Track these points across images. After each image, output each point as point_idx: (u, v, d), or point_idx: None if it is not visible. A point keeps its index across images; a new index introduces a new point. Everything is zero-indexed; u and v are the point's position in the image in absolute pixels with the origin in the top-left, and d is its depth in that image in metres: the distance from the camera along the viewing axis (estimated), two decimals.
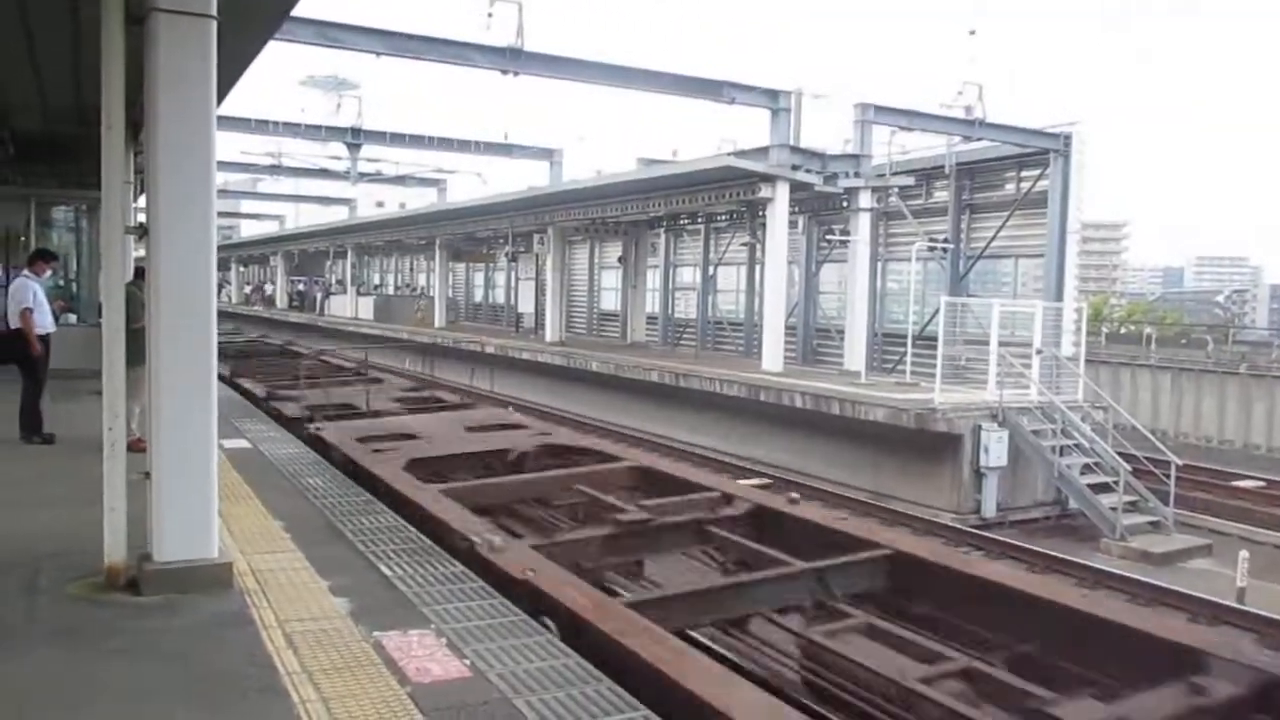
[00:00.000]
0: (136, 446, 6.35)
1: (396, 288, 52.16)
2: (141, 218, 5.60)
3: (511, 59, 18.15)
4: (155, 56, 5.17)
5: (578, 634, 4.91)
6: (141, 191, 7.32)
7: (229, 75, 8.51)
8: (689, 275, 30.87)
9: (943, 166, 21.32)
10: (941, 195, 22.59)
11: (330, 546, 6.32)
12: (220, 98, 8.06)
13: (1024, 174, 21.17)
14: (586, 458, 9.81)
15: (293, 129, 28.47)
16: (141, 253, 5.87)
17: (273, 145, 35.25)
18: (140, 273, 7.70)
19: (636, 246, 28.55)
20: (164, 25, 5.14)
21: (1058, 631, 5.36)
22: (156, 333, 5.28)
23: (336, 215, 49.15)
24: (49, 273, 10.99)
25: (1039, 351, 15.88)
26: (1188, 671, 4.68)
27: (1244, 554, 11.59)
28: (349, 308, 43.31)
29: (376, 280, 54.39)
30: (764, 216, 20.82)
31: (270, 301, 54.35)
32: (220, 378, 10.50)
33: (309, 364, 19.42)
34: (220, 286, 60.18)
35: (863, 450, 16.34)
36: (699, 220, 28.64)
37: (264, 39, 7.86)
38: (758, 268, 25.40)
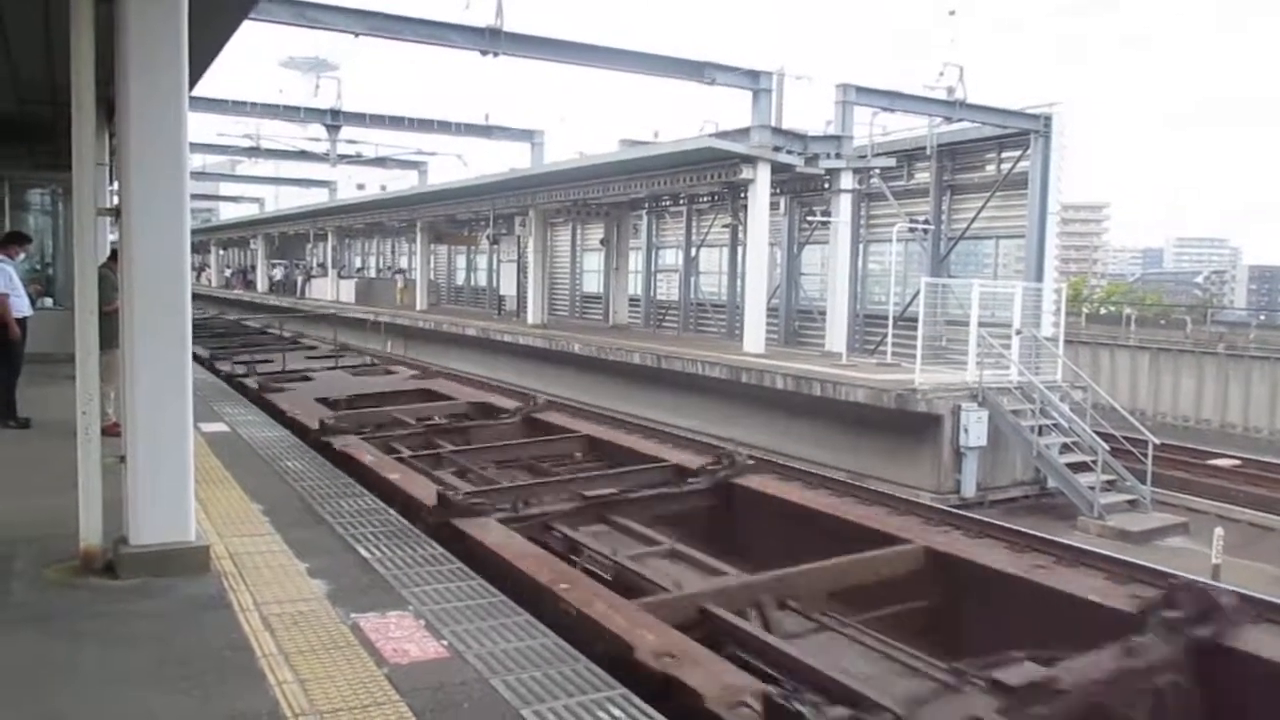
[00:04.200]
0: (112, 430, 6.32)
1: (378, 270, 51.88)
2: (117, 200, 5.54)
3: (491, 39, 18.02)
4: (125, 35, 5.10)
5: None
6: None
7: (203, 55, 8.43)
8: (671, 257, 30.85)
9: (924, 148, 21.34)
10: (923, 176, 22.62)
11: (308, 529, 6.31)
12: (195, 78, 7.99)
13: (1005, 155, 21.21)
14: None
15: (271, 110, 28.18)
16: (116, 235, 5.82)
17: (251, 127, 34.88)
18: (115, 255, 7.63)
19: (619, 228, 28.50)
20: (134, 3, 5.08)
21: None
22: (130, 315, 5.24)
23: (316, 198, 48.79)
24: (22, 255, 10.87)
25: (1019, 332, 15.96)
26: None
27: (1219, 531, 11.74)
28: (330, 291, 43.08)
29: (358, 263, 54.07)
30: (745, 198, 20.81)
31: (251, 285, 53.91)
32: None
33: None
34: (200, 270, 59.76)
35: (844, 431, 16.40)
36: (681, 202, 28.60)
37: (238, 18, 7.78)
38: (740, 249, 25.40)
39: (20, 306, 9.98)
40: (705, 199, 27.40)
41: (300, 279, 48.40)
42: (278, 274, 52.65)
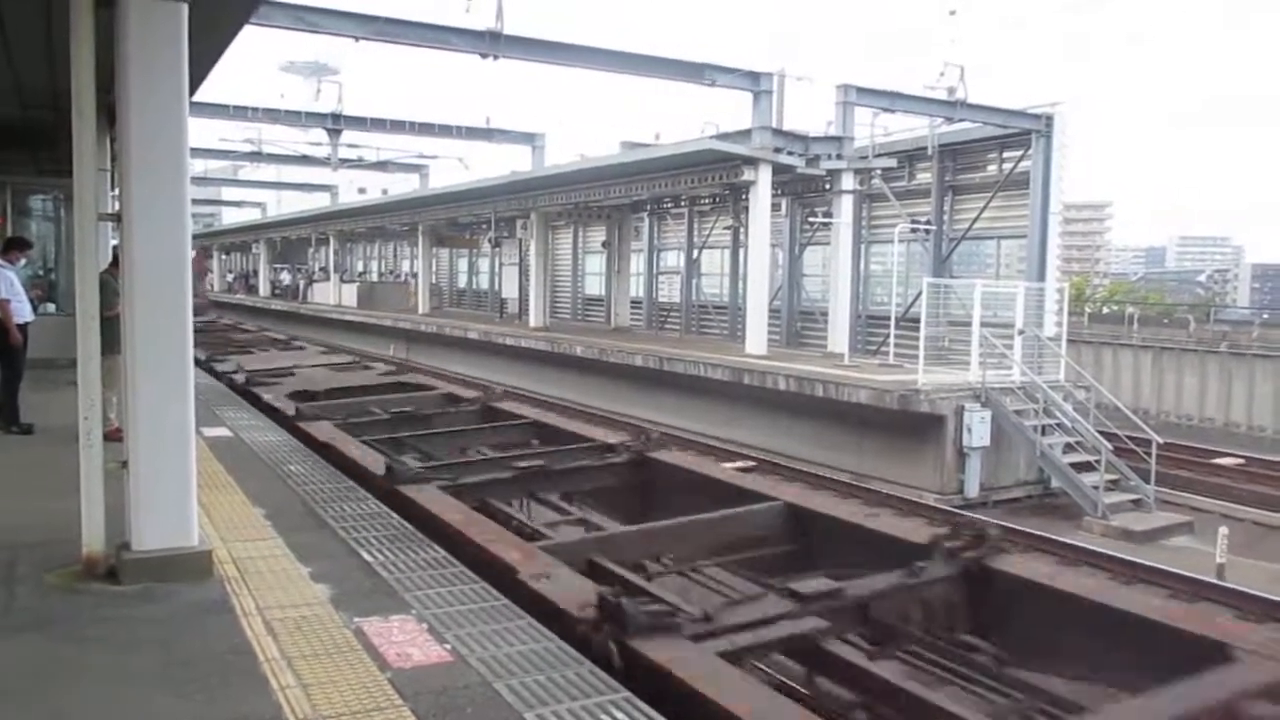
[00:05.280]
0: (114, 435, 6.32)
1: (380, 275, 51.83)
2: (118, 205, 5.55)
3: (491, 42, 18.02)
4: (126, 41, 5.11)
5: None
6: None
7: (203, 60, 8.42)
8: (673, 259, 30.85)
9: (925, 148, 21.31)
10: (924, 177, 22.60)
11: (311, 533, 6.31)
12: (196, 83, 8.00)
13: (1006, 155, 21.17)
14: None
15: (273, 115, 28.19)
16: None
17: (252, 132, 34.88)
18: (116, 260, 7.63)
19: (620, 231, 28.50)
20: (134, 8, 5.09)
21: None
22: (131, 320, 5.24)
23: (318, 202, 48.78)
24: (23, 261, 10.87)
25: (1021, 332, 15.93)
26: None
27: (1223, 530, 11.71)
28: (332, 295, 43.07)
29: (360, 267, 54.04)
30: (747, 199, 20.80)
31: (253, 290, 53.90)
32: None
33: None
34: (203, 274, 59.74)
35: (846, 432, 16.39)
36: (682, 204, 28.60)
37: (238, 23, 7.76)
38: (741, 251, 25.39)
39: (22, 312, 9.99)
40: (707, 201, 27.39)
41: (302, 283, 48.34)
42: (285, 278, 52.47)
